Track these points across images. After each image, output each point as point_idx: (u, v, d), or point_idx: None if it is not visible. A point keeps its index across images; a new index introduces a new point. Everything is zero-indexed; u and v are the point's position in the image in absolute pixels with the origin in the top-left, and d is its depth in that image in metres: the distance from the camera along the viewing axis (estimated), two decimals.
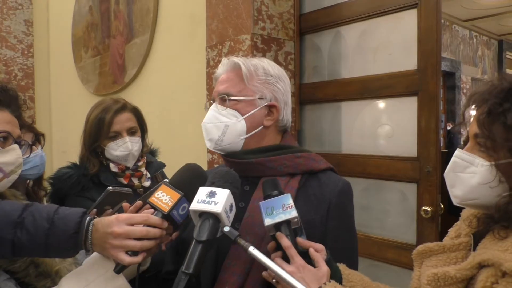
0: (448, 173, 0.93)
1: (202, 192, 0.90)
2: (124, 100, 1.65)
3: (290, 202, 0.93)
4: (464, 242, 0.93)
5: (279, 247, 0.92)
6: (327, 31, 2.24)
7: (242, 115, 1.12)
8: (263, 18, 2.20)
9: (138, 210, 1.06)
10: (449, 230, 1.03)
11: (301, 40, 2.35)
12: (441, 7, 1.79)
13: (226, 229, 0.86)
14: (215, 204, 0.86)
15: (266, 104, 1.14)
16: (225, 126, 1.11)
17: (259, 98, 1.13)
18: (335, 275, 0.93)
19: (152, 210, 0.94)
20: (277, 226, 0.92)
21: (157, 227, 0.91)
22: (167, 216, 0.92)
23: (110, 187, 1.29)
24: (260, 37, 2.18)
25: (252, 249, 0.84)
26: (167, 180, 1.00)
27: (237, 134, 1.12)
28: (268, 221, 0.92)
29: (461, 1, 6.70)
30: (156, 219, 0.91)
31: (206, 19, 2.43)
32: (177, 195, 0.93)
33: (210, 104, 1.18)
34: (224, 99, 1.13)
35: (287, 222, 0.92)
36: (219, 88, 1.15)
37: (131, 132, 1.60)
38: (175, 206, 0.92)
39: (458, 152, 0.91)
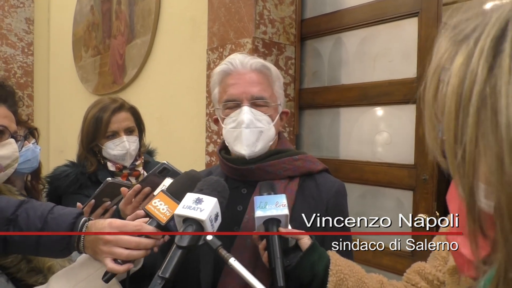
0: None
1: (189, 198, 0.88)
2: (122, 99, 1.65)
3: (284, 201, 0.94)
4: None
5: (268, 248, 0.92)
6: (328, 37, 2.25)
7: (272, 121, 1.11)
8: (264, 22, 2.21)
9: (137, 194, 1.04)
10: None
11: (302, 45, 2.35)
12: (442, 16, 1.80)
13: (209, 237, 0.84)
14: (201, 211, 0.84)
15: (282, 110, 1.16)
16: (259, 132, 1.08)
17: (279, 105, 1.15)
18: (322, 259, 0.93)
19: (142, 212, 0.92)
20: (266, 224, 0.92)
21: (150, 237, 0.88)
22: (163, 226, 0.90)
23: (110, 178, 1.27)
24: (261, 41, 2.19)
25: (233, 261, 0.82)
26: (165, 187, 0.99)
27: (268, 141, 1.11)
28: (259, 213, 0.92)
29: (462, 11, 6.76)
30: (150, 229, 0.88)
31: (207, 22, 2.44)
32: (176, 206, 0.90)
33: (234, 106, 1.10)
34: (258, 104, 1.09)
35: (277, 222, 0.92)
36: (252, 90, 1.08)
37: (128, 132, 1.59)
38: (173, 217, 0.89)
39: None
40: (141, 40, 3.09)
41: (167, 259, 0.80)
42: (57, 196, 1.53)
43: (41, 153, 1.53)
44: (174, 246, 0.82)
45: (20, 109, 1.27)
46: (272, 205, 0.93)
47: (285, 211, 0.92)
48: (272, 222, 0.92)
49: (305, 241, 0.93)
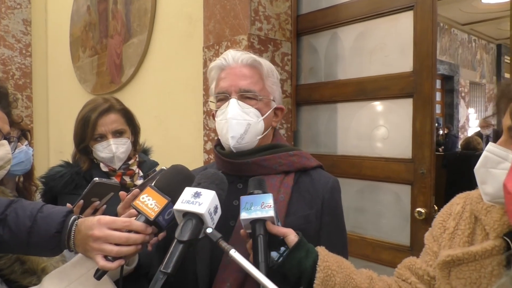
0: (478, 169, 0.84)
1: (188, 192, 0.87)
2: (114, 99, 1.63)
3: (270, 202, 0.92)
4: (497, 246, 0.85)
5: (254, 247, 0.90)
6: (324, 32, 2.24)
7: (262, 115, 1.12)
8: (260, 19, 2.20)
9: (135, 199, 1.04)
10: (446, 226, 0.97)
11: (298, 41, 2.34)
12: (437, 10, 1.79)
13: (209, 230, 0.84)
14: (199, 204, 0.84)
15: (276, 106, 1.17)
16: (247, 124, 1.09)
17: (272, 100, 1.15)
18: (310, 255, 0.92)
19: (135, 212, 0.91)
20: (253, 223, 0.91)
21: (140, 233, 0.88)
22: (152, 222, 0.89)
23: (97, 178, 1.27)
24: (257, 38, 2.18)
25: (233, 252, 0.82)
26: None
27: (256, 134, 1.12)
28: (244, 215, 0.91)
29: (460, 5, 6.72)
30: (139, 224, 0.87)
31: (203, 19, 2.43)
32: (164, 201, 0.90)
33: (224, 99, 1.12)
34: (247, 97, 1.11)
35: (263, 222, 0.91)
36: (241, 83, 1.10)
37: (117, 134, 1.57)
38: (162, 212, 0.89)
39: (490, 146, 0.82)
40: (137, 39, 3.09)
41: (168, 254, 0.80)
42: (52, 196, 1.53)
43: (41, 154, 1.53)
44: (175, 241, 0.81)
45: (19, 110, 1.27)
46: (258, 206, 0.91)
47: (270, 212, 0.90)
48: (259, 222, 0.91)
49: (292, 238, 0.93)
